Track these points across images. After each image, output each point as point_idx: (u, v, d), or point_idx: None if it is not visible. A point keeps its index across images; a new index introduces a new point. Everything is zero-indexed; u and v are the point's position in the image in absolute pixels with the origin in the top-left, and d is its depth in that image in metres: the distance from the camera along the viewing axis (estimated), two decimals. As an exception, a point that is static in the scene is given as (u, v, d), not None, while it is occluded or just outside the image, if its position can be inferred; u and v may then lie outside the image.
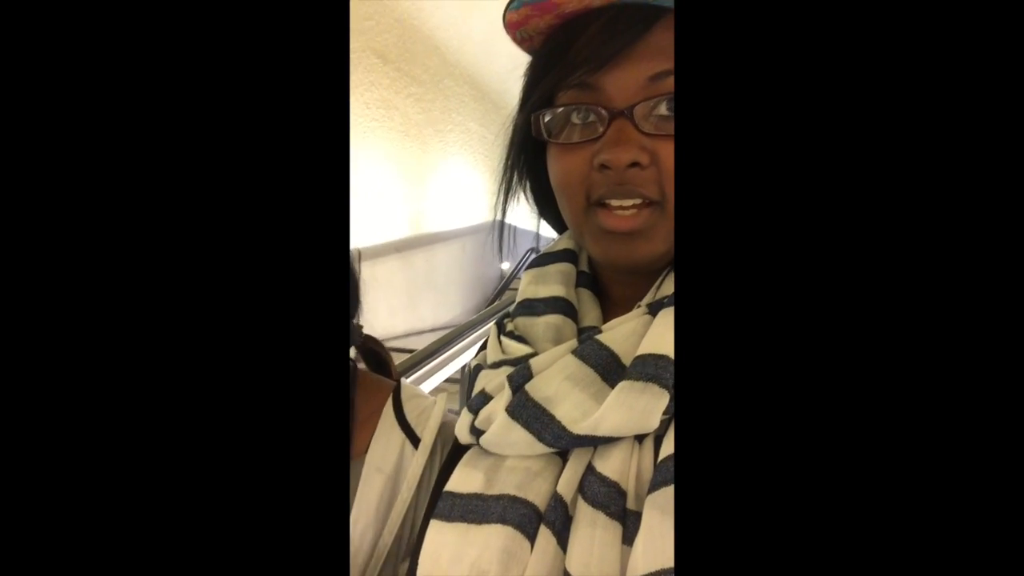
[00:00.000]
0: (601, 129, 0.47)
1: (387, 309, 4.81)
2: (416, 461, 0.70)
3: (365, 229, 4.53)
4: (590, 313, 0.55)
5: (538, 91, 0.50)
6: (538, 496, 0.47)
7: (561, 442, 0.46)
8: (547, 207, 0.60)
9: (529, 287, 0.58)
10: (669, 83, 0.46)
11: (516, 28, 0.51)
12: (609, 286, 0.58)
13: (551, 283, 0.56)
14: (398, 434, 0.79)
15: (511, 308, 0.60)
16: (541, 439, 0.46)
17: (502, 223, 0.61)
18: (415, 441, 0.74)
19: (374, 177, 4.71)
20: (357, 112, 4.45)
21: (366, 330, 0.88)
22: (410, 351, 3.75)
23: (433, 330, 5.30)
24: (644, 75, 0.46)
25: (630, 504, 0.44)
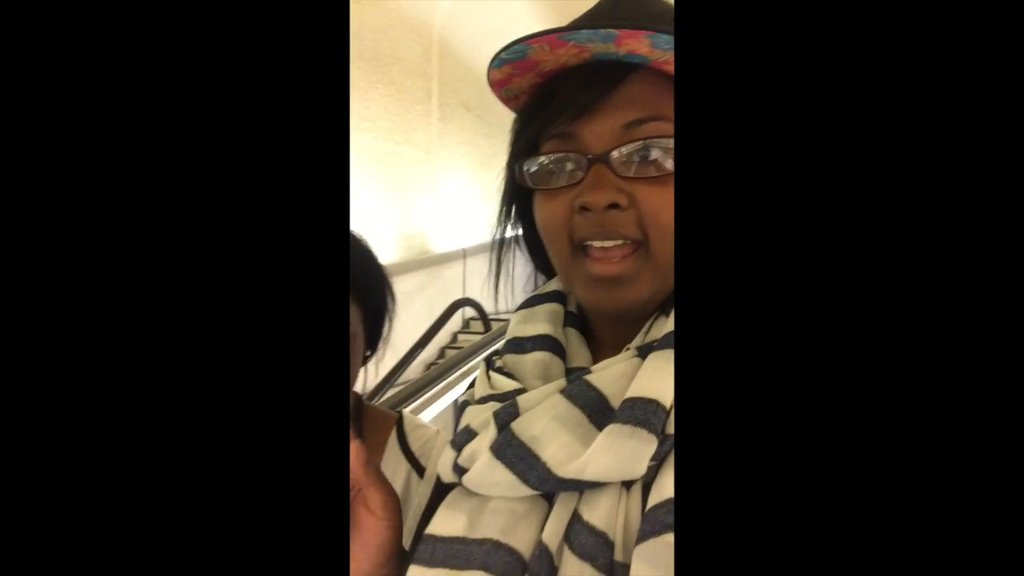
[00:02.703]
0: (581, 174, 0.48)
1: (482, 294, 6.21)
2: (421, 491, 0.66)
3: (468, 234, 5.98)
4: (579, 354, 0.55)
5: (522, 142, 0.52)
6: (522, 543, 0.45)
7: (546, 484, 0.44)
8: (538, 253, 0.61)
9: (517, 326, 0.57)
10: (642, 130, 0.47)
11: (501, 87, 0.53)
12: (598, 329, 0.56)
13: (538, 322, 0.56)
14: (404, 464, 0.80)
15: (500, 346, 0.59)
16: (525, 481, 0.44)
17: (498, 272, 0.61)
18: (420, 471, 0.73)
19: (466, 196, 6.17)
20: (452, 149, 5.91)
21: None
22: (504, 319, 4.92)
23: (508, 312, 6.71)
24: (618, 123, 0.47)
25: (617, 556, 0.42)
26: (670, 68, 0.46)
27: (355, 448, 0.49)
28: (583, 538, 0.43)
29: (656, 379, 0.44)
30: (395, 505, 0.52)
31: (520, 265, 0.63)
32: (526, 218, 0.58)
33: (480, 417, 0.49)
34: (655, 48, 0.45)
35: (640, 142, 0.47)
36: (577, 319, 0.57)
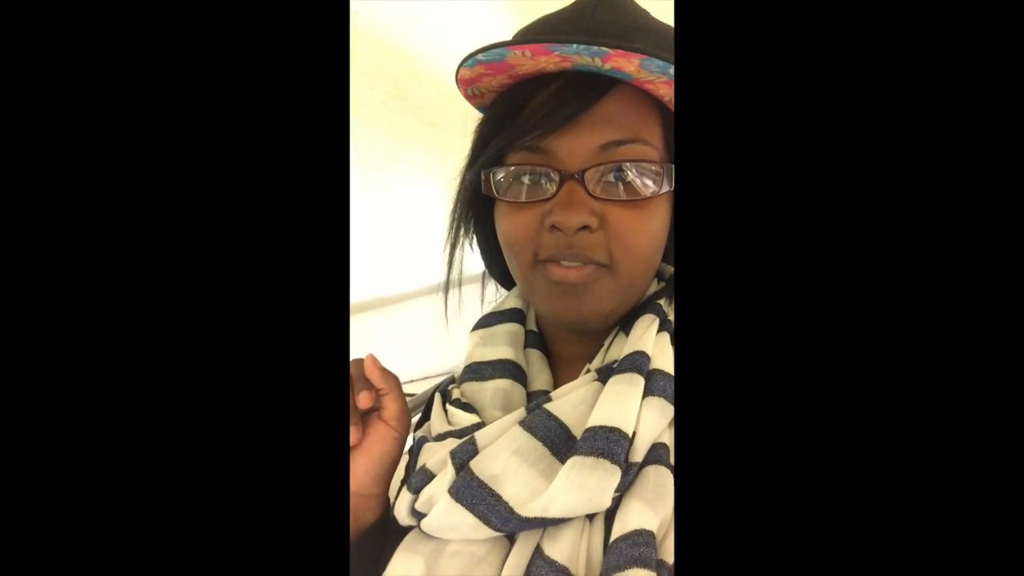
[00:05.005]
0: (552, 191, 0.45)
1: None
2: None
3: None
4: (540, 376, 0.52)
5: (489, 150, 0.48)
6: None
7: (509, 525, 0.42)
8: (493, 262, 0.58)
9: (476, 349, 0.54)
10: (619, 152, 0.44)
11: (468, 85, 0.49)
12: (557, 346, 0.54)
13: (499, 345, 0.53)
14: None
15: (456, 374, 0.54)
16: (487, 523, 0.42)
17: (447, 282, 0.56)
18: None
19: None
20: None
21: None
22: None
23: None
24: (595, 143, 0.44)
25: None
26: (652, 88, 0.44)
27: (371, 358, 0.49)
28: (544, 573, 0.40)
29: (617, 405, 0.42)
30: (407, 420, 0.51)
31: (468, 276, 0.59)
32: (483, 225, 0.55)
33: (437, 456, 0.46)
34: (642, 69, 0.42)
35: (616, 163, 0.44)
36: (537, 338, 0.54)
